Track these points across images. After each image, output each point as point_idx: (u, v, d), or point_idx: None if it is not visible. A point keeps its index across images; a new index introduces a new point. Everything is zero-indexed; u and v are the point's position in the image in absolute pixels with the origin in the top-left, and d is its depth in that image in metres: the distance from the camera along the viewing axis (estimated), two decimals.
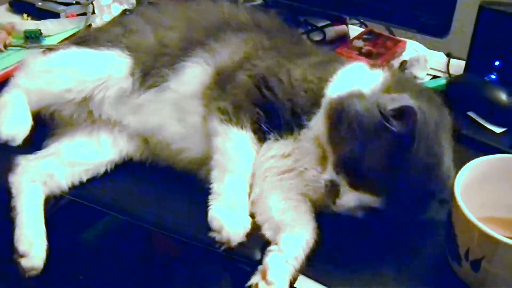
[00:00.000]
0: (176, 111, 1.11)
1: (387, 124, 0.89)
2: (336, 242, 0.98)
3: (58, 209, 1.74)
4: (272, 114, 1.02)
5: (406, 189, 0.90)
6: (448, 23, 1.34)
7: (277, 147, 1.03)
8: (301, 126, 1.01)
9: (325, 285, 0.91)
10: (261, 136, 1.03)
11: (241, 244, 0.95)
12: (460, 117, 1.28)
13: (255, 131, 1.03)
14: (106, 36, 1.20)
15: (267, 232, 0.99)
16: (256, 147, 1.03)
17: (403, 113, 0.89)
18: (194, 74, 1.11)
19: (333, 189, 0.94)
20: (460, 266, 0.87)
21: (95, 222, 1.83)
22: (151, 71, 1.14)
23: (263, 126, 1.02)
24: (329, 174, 0.95)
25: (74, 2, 1.63)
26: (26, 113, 1.09)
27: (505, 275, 0.82)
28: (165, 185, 1.10)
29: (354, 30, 1.61)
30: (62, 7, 1.62)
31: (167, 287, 1.85)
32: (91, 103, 1.15)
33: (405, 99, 0.91)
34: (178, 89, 1.11)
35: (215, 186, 1.00)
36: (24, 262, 1.01)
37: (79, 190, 1.13)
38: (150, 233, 1.84)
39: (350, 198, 0.93)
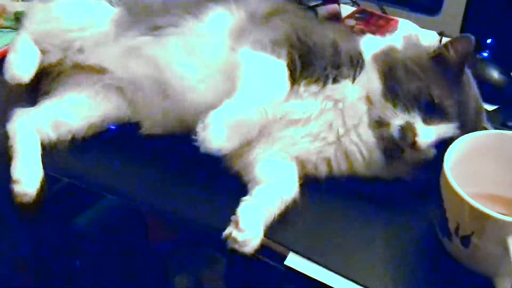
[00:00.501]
0: (190, 52, 1.07)
1: (443, 55, 0.99)
2: (326, 216, 0.99)
3: (49, 195, 1.75)
4: (312, 65, 1.00)
5: (469, 112, 0.99)
6: (439, 1, 1.34)
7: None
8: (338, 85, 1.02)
9: (312, 260, 0.91)
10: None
11: None
12: None
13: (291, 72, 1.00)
14: None
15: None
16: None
17: (458, 42, 0.99)
18: (221, 19, 1.08)
19: (407, 132, 0.96)
20: (450, 242, 0.87)
21: (88, 207, 1.83)
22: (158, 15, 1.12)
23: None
24: (400, 117, 0.97)
25: None
26: (33, 51, 1.14)
27: (494, 250, 0.81)
28: (158, 163, 1.09)
29: (346, 9, 1.60)
30: None
31: (162, 270, 1.85)
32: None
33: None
34: (197, 33, 1.08)
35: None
36: (17, 188, 1.03)
37: (72, 171, 1.13)
38: (144, 216, 1.85)
39: (429, 133, 0.96)
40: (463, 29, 1.40)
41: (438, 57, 1.00)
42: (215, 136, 0.90)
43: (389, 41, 1.07)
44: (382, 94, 0.99)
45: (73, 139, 1.14)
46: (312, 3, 1.57)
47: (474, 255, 0.85)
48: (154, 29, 1.11)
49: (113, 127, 1.17)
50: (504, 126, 1.20)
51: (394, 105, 0.97)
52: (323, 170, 1.03)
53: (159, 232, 1.90)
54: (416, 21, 1.49)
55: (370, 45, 1.06)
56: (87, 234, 1.82)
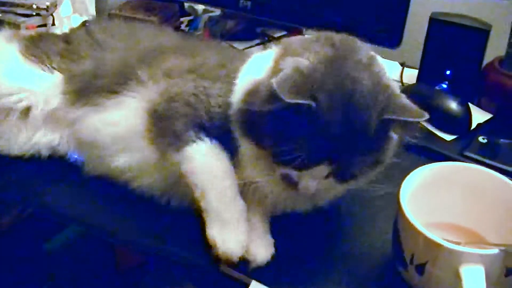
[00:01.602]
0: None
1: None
2: (287, 247, 1.00)
3: (20, 220, 1.75)
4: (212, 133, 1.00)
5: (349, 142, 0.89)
6: (399, 34, 1.39)
7: None
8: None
9: None
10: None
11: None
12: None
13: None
14: (46, 49, 1.22)
15: None
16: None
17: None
18: (133, 109, 1.09)
19: (288, 179, 0.94)
20: (405, 271, 0.90)
21: (58, 232, 1.83)
22: (86, 91, 1.15)
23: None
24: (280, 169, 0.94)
25: (34, 14, 1.63)
26: None
27: (448, 278, 0.85)
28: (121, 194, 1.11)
29: None
30: (22, 19, 1.61)
31: None
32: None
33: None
34: (119, 122, 1.10)
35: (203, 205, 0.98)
36: None
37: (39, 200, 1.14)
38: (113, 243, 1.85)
39: (306, 177, 0.92)
40: (423, 61, 1.44)
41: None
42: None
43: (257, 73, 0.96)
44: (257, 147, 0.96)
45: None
46: (278, 35, 1.61)
47: (429, 282, 0.88)
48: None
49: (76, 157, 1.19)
50: (461, 156, 1.23)
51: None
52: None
53: (127, 258, 1.91)
54: (377, 52, 1.53)
55: (240, 87, 0.98)
56: (56, 258, 1.82)
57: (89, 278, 1.83)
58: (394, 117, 0.88)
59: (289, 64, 0.89)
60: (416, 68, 1.50)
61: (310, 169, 0.89)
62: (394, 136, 0.93)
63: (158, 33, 1.27)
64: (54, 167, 1.19)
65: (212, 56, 1.12)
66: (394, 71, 1.54)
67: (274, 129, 0.89)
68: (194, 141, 0.99)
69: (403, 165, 0.99)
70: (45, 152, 1.20)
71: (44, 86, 1.17)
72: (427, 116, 0.89)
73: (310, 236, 1.03)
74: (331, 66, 0.89)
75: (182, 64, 1.11)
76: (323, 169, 0.90)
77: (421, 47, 1.44)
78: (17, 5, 1.62)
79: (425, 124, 1.33)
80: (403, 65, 1.55)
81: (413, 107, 0.91)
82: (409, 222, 0.86)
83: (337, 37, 0.96)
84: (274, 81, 0.85)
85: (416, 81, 1.46)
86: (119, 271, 1.92)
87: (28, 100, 1.16)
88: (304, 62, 0.90)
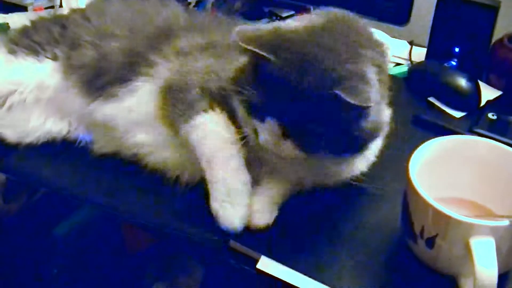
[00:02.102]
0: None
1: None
2: (296, 221, 1.01)
3: (30, 204, 1.76)
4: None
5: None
6: (407, 11, 1.38)
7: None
8: None
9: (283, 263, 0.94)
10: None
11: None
12: (421, 102, 1.34)
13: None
14: (37, 37, 1.22)
15: None
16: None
17: None
18: (148, 92, 1.10)
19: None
20: (415, 244, 0.90)
21: (67, 216, 1.84)
22: (95, 83, 1.14)
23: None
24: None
25: None
26: None
27: (458, 251, 0.84)
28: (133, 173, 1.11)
29: None
30: (29, 1, 1.62)
31: (141, 278, 1.86)
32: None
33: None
34: (136, 109, 1.11)
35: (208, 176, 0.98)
36: None
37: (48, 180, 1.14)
38: (121, 225, 1.86)
39: (264, 132, 0.92)
40: (431, 38, 1.43)
41: None
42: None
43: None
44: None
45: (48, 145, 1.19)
46: (285, 14, 1.60)
47: (438, 256, 0.88)
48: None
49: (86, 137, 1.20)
50: (471, 132, 1.22)
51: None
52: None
53: (136, 241, 1.91)
54: (385, 31, 1.52)
55: None
56: (66, 243, 1.83)
57: (98, 261, 1.84)
58: (342, 95, 0.84)
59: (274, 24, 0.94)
60: (424, 47, 1.49)
61: (262, 122, 0.91)
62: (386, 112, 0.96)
63: (163, 11, 1.24)
64: (65, 148, 1.19)
65: (223, 35, 1.12)
66: (402, 49, 1.53)
67: (248, 79, 0.93)
68: (204, 111, 1.00)
69: (411, 141, 0.99)
70: (58, 138, 1.20)
71: (37, 76, 1.18)
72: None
73: (319, 211, 1.03)
74: (311, 33, 0.91)
75: (194, 43, 1.12)
76: (274, 127, 0.90)
77: (429, 25, 1.43)
78: None
79: (434, 101, 1.32)
80: (411, 43, 1.54)
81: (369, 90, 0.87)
82: (419, 195, 0.85)
83: (337, 13, 0.98)
84: (236, 29, 0.90)
85: (425, 59, 1.45)
86: (129, 255, 1.93)
87: (22, 92, 1.17)
88: (289, 25, 0.94)
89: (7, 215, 1.72)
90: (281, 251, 0.95)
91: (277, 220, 1.00)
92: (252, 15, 1.62)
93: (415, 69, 1.41)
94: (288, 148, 0.92)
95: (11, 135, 1.20)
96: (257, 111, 0.92)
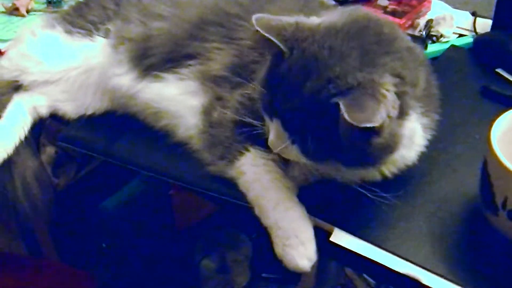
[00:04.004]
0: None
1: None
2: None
3: (77, 179, 1.77)
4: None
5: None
6: None
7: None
8: None
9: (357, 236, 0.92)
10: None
11: None
12: (488, 73, 1.29)
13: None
14: (91, 16, 1.23)
15: None
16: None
17: None
18: (191, 90, 1.09)
19: None
20: (496, 216, 0.87)
21: (114, 191, 1.84)
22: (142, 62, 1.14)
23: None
24: None
25: None
26: (17, 124, 1.19)
27: None
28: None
29: None
30: None
31: (189, 254, 1.87)
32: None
33: None
34: (177, 99, 1.10)
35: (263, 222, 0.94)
36: None
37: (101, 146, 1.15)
38: (170, 200, 1.86)
39: (271, 132, 0.90)
40: (497, 8, 1.38)
41: None
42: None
43: None
44: None
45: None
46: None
47: None
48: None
49: None
50: None
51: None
52: None
53: (185, 217, 1.91)
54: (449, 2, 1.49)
55: None
56: (115, 217, 1.83)
57: (147, 237, 1.84)
58: (342, 109, 0.77)
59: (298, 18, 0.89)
60: (486, 17, 1.45)
61: (271, 121, 0.88)
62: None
63: None
64: (115, 120, 1.20)
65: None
66: (465, 20, 1.49)
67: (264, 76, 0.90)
68: (242, 153, 0.98)
69: (481, 113, 0.98)
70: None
71: (91, 55, 1.19)
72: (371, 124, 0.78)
73: (392, 184, 0.99)
74: (326, 34, 0.86)
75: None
76: (278, 127, 0.87)
77: None
78: None
79: (503, 72, 1.28)
80: (474, 14, 1.49)
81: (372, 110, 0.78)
82: (502, 165, 0.82)
83: (361, 14, 0.92)
84: (256, 15, 0.87)
85: (491, 29, 1.40)
86: (177, 231, 1.93)
87: (79, 70, 1.20)
88: (312, 21, 0.89)
89: (56, 189, 1.73)
90: (355, 223, 0.93)
91: (348, 193, 0.96)
92: None
93: (481, 39, 1.37)
94: (293, 152, 0.88)
95: (71, 110, 1.21)
96: (267, 108, 0.89)
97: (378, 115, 0.77)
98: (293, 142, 0.87)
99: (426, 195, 0.99)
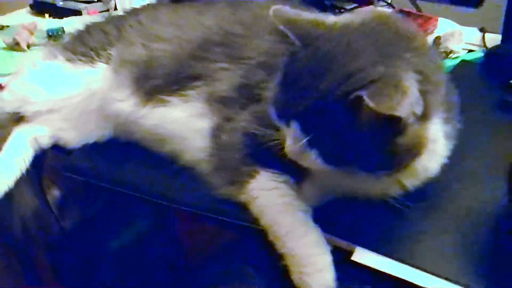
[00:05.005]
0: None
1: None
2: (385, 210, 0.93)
3: (87, 218, 1.73)
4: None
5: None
6: None
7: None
8: None
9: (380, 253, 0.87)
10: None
11: None
12: (503, 86, 1.26)
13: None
14: (92, 43, 1.20)
15: None
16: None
17: None
18: (197, 112, 1.06)
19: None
20: None
21: (123, 231, 1.81)
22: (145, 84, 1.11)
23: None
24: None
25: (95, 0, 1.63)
26: (18, 157, 1.15)
27: None
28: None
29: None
30: (83, 5, 1.62)
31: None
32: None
33: None
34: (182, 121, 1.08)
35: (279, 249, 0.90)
36: None
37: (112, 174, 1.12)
38: (181, 238, 1.82)
39: (288, 138, 0.85)
40: (506, 22, 1.37)
41: None
42: None
43: None
44: None
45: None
46: (348, 7, 1.55)
47: None
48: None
49: None
50: None
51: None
52: None
53: (192, 253, 1.87)
54: (454, 16, 1.48)
55: None
56: (123, 257, 1.80)
57: (153, 276, 1.81)
58: (366, 99, 0.73)
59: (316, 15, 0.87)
60: (495, 33, 1.46)
61: (287, 126, 0.84)
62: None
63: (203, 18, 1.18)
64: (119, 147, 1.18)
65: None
66: (473, 36, 1.49)
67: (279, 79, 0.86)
68: (253, 175, 0.95)
69: (501, 126, 1.02)
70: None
71: (92, 81, 1.16)
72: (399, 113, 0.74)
73: (413, 196, 0.95)
74: (344, 31, 0.83)
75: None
76: (295, 130, 0.82)
77: (500, 10, 1.38)
78: None
79: None
80: (482, 30, 1.49)
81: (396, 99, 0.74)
82: None
83: (379, 13, 0.90)
84: (274, 7, 0.84)
85: (501, 42, 1.40)
86: (184, 269, 1.89)
87: (81, 98, 1.17)
88: (329, 19, 0.86)
89: (61, 232, 1.69)
90: (376, 241, 0.88)
91: (367, 209, 0.92)
92: (314, 8, 1.57)
93: (492, 53, 1.35)
94: (312, 157, 0.84)
95: (73, 138, 1.18)
96: (282, 111, 0.85)
97: (403, 105, 0.73)
98: (311, 146, 0.83)
99: (448, 207, 0.95)
